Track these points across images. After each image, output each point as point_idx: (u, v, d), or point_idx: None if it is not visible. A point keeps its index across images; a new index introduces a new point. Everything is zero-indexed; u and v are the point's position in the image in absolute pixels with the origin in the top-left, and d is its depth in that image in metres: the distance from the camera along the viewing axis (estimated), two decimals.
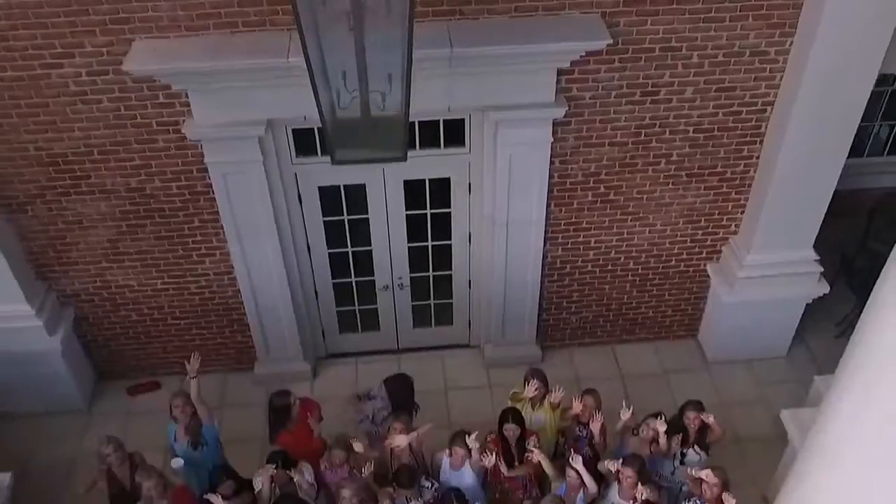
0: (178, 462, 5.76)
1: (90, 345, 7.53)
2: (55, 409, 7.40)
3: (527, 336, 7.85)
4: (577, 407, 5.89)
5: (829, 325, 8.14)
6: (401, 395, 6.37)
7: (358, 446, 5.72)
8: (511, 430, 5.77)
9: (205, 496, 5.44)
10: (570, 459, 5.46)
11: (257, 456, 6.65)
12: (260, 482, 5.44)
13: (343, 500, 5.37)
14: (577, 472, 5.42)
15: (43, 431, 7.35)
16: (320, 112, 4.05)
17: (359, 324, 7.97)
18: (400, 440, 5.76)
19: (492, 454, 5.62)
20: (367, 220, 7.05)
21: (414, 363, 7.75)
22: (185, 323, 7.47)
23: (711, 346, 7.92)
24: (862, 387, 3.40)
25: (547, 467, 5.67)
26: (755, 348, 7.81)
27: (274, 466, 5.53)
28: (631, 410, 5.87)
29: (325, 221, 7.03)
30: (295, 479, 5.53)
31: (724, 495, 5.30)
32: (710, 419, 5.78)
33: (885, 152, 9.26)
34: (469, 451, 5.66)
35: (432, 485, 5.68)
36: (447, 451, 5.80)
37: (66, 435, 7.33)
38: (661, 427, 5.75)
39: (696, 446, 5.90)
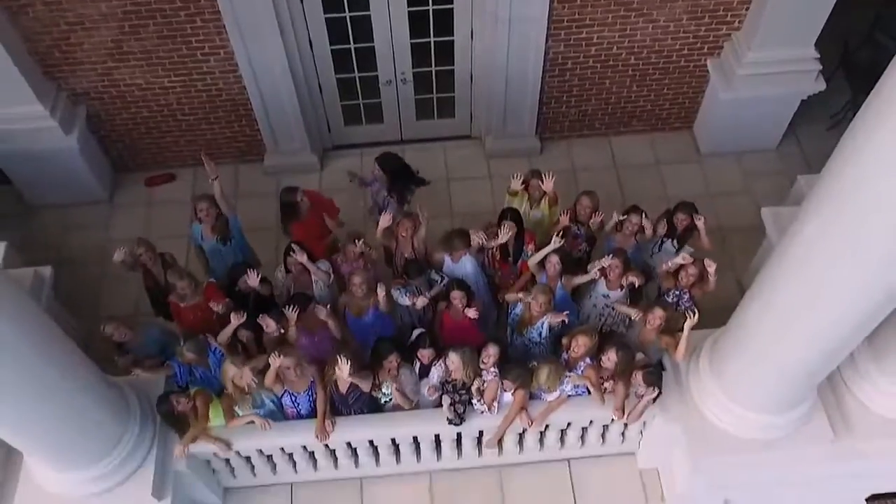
0: None
1: (105, 140, 7.76)
2: (79, 200, 7.81)
3: (527, 128, 8.04)
4: (564, 220, 6.13)
5: (821, 118, 8.23)
6: (396, 167, 6.66)
7: (385, 219, 6.04)
8: (508, 227, 6.16)
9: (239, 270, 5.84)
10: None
11: (273, 242, 7.20)
12: (280, 279, 5.89)
13: (353, 286, 5.84)
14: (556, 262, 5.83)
15: (70, 221, 7.83)
16: None
17: (363, 116, 8.13)
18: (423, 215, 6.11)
19: (505, 231, 5.96)
20: (370, 16, 6.96)
21: (417, 154, 8.02)
22: (195, 119, 7.64)
23: (705, 138, 8.13)
24: (852, 180, 3.45)
25: (533, 260, 6.04)
26: (747, 141, 8.02)
27: (292, 252, 5.88)
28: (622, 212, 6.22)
29: (326, 18, 6.95)
30: (311, 271, 5.96)
31: (706, 260, 5.64)
32: (701, 223, 5.99)
33: None
34: (468, 246, 6.07)
35: (442, 279, 6.11)
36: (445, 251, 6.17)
37: (93, 224, 7.81)
38: (641, 220, 6.10)
39: (675, 241, 6.30)
